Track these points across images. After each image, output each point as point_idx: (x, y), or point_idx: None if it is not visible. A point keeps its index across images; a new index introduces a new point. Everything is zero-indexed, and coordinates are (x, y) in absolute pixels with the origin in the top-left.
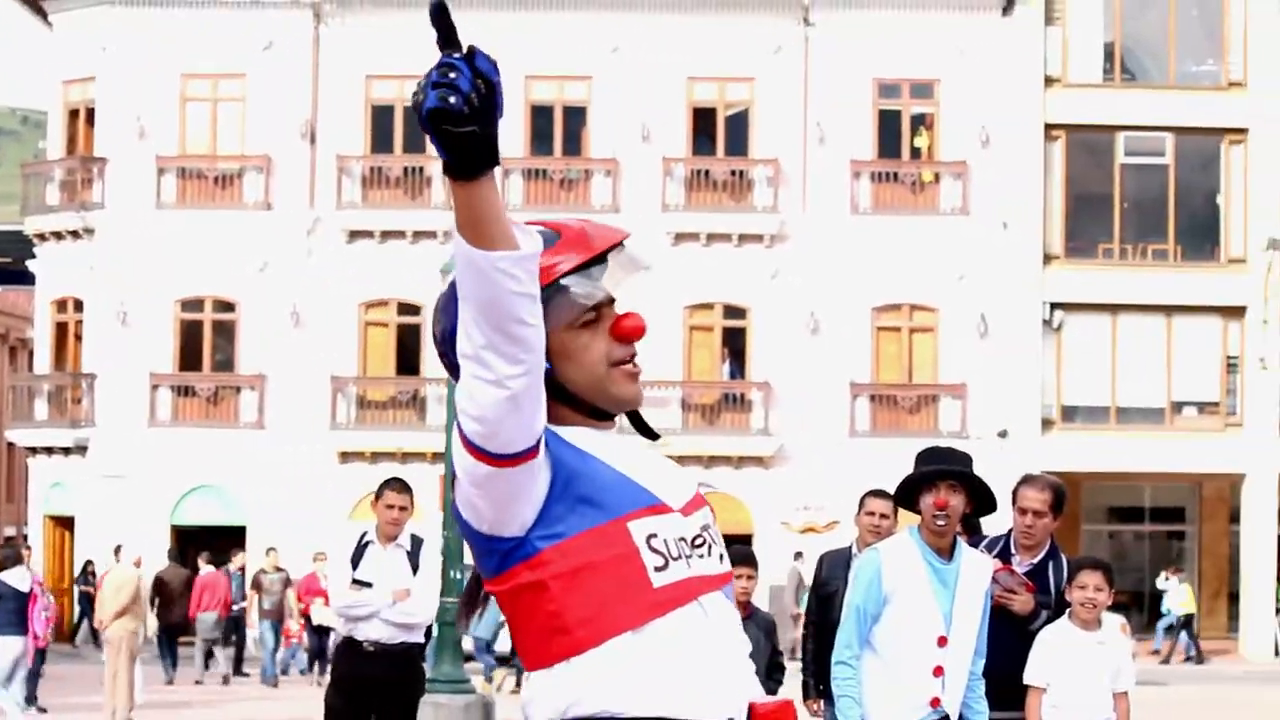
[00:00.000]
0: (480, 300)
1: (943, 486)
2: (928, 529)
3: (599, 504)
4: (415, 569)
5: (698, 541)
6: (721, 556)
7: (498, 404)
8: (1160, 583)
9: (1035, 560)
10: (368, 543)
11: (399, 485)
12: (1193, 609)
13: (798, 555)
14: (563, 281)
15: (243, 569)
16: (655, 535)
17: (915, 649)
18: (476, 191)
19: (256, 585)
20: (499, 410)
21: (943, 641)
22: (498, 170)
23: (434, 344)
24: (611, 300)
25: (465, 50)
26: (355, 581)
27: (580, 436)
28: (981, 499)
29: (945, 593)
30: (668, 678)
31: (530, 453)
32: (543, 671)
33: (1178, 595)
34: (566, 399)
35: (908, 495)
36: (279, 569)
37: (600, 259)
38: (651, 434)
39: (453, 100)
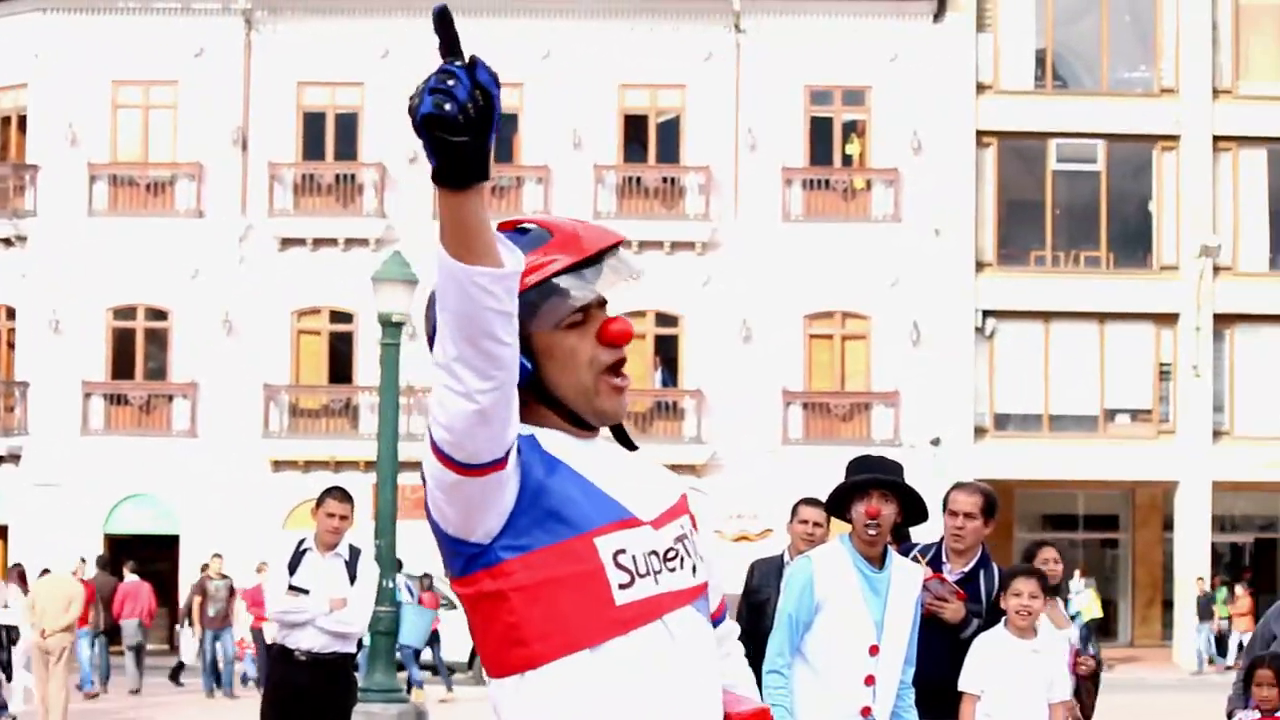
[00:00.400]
0: (457, 313)
1: (874, 495)
2: (859, 538)
3: (566, 518)
4: (352, 579)
5: (669, 555)
6: (695, 569)
7: (466, 416)
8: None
9: (966, 568)
10: (306, 550)
11: (340, 494)
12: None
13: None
14: (554, 281)
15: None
16: (623, 551)
17: (847, 658)
18: (464, 203)
19: (201, 592)
20: (467, 422)
21: (874, 650)
22: (429, 177)
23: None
24: (602, 303)
25: (468, 60)
26: (292, 588)
27: (557, 442)
28: (913, 508)
29: (877, 601)
30: (623, 697)
31: (498, 464)
32: (501, 680)
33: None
34: (550, 402)
35: (839, 504)
36: (224, 576)
37: (592, 261)
38: (630, 446)
39: (448, 107)
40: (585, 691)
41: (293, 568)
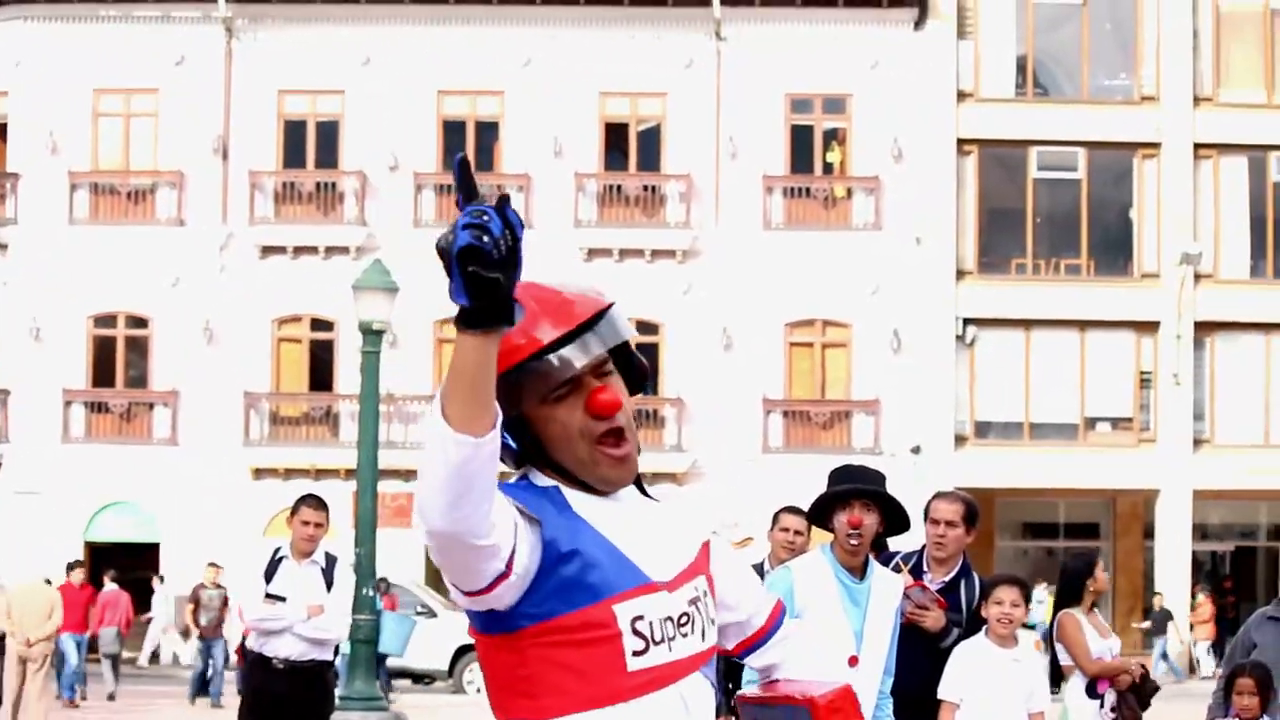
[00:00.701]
0: (439, 486)
1: (856, 505)
2: (841, 548)
3: (587, 586)
4: (329, 586)
5: (682, 620)
6: (704, 633)
7: (451, 571)
8: (1035, 594)
9: (948, 577)
10: (282, 558)
11: (315, 502)
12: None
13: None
14: (529, 359)
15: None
16: (641, 618)
17: (826, 669)
18: (483, 347)
19: (194, 601)
20: (454, 574)
21: (854, 661)
22: (410, 185)
23: None
24: (596, 368)
25: (495, 202)
26: (269, 595)
27: (580, 498)
28: (894, 518)
29: (857, 612)
30: None
31: (501, 579)
32: None
33: (1042, 609)
34: (556, 470)
35: (821, 513)
36: (218, 585)
37: (575, 333)
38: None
39: (485, 240)
40: None
41: (269, 576)
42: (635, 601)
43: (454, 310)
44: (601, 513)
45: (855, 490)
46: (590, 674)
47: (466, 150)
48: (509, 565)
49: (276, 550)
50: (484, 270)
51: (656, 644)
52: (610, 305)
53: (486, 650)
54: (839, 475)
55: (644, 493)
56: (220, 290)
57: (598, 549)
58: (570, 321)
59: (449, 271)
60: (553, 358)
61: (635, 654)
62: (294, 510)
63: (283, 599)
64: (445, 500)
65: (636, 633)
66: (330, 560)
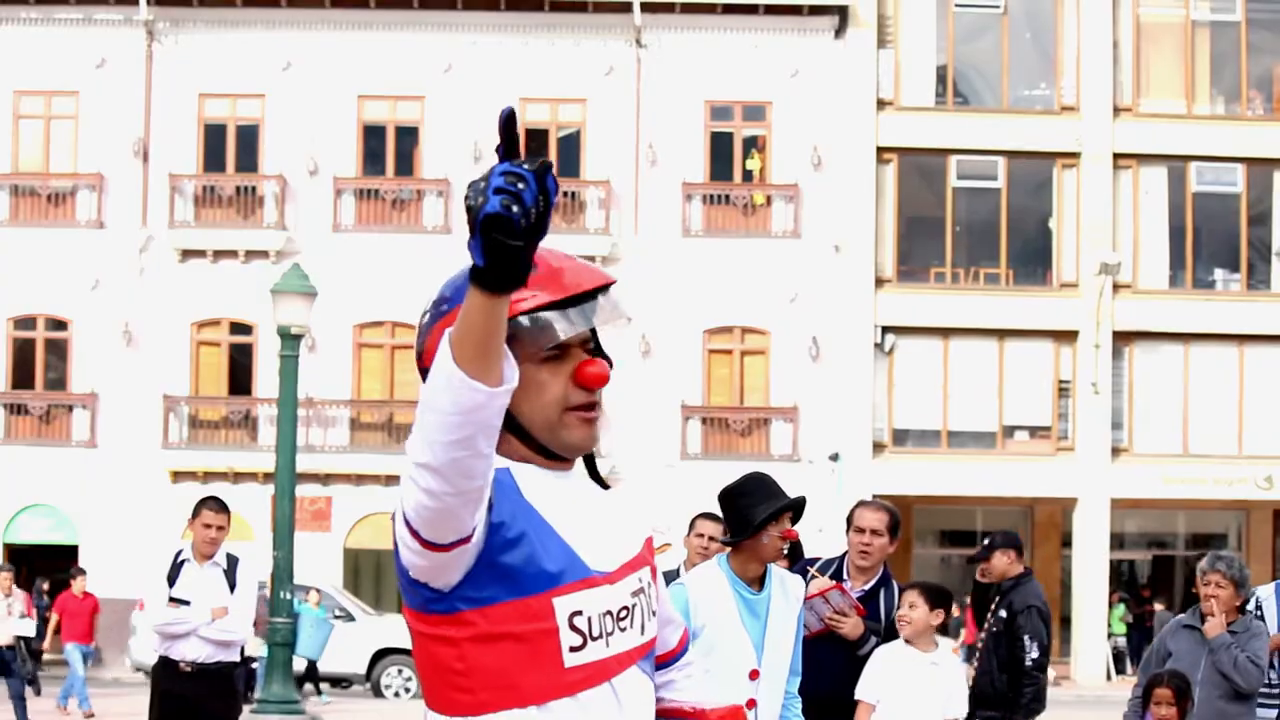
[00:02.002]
0: (445, 424)
1: (786, 517)
2: (767, 559)
3: (527, 576)
4: (232, 587)
5: (622, 614)
6: (644, 626)
7: (430, 510)
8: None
9: (868, 586)
10: (184, 561)
11: (216, 504)
12: None
13: None
14: (539, 314)
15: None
16: (579, 613)
17: (726, 683)
18: (496, 306)
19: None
20: (430, 515)
21: (754, 675)
22: (330, 190)
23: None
24: (585, 342)
25: (537, 165)
26: (172, 599)
27: (531, 480)
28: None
29: (756, 623)
30: None
31: (463, 541)
32: (440, 717)
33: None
34: (519, 433)
35: (748, 525)
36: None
37: (578, 300)
38: (601, 484)
39: (515, 210)
40: None
41: (171, 579)
42: (575, 596)
43: (372, 314)
44: (550, 498)
45: (790, 505)
46: (527, 669)
47: (386, 155)
48: (472, 530)
49: (178, 553)
50: (507, 239)
51: (594, 639)
52: (614, 283)
53: (424, 643)
54: (762, 488)
55: (595, 472)
56: (140, 293)
57: (543, 538)
58: (576, 288)
59: (471, 229)
60: (554, 318)
61: (572, 649)
62: (195, 513)
63: (187, 602)
64: (450, 438)
65: (574, 628)
66: (232, 561)
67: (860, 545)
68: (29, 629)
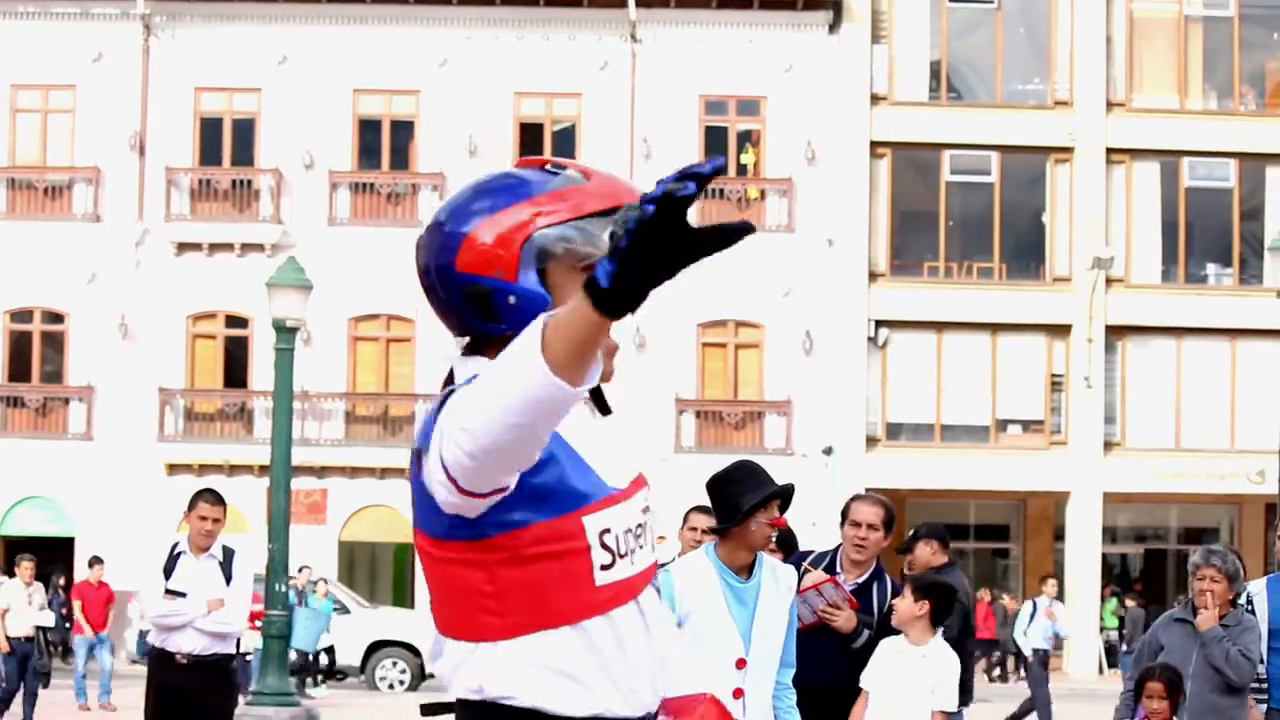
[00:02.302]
0: (511, 406)
1: (774, 505)
2: (756, 548)
3: (558, 496)
4: (228, 579)
5: (639, 531)
6: (653, 544)
7: (467, 470)
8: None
9: (861, 579)
10: (180, 553)
11: (212, 497)
12: None
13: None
14: (590, 219)
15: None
16: (608, 530)
17: (713, 672)
18: (603, 326)
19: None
20: (468, 473)
21: (741, 663)
22: (326, 184)
23: (418, 276)
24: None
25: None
26: (169, 591)
27: None
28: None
29: (744, 612)
30: (601, 674)
31: (500, 491)
32: (463, 644)
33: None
34: None
35: (736, 513)
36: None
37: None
38: (606, 409)
39: (691, 186)
40: (564, 665)
41: (168, 571)
42: (603, 514)
43: (368, 307)
44: (567, 420)
45: (779, 492)
46: (559, 589)
47: (381, 149)
48: (511, 483)
49: (175, 545)
50: (664, 225)
51: (621, 557)
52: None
53: (445, 568)
54: (750, 477)
55: (602, 400)
56: (136, 286)
57: (568, 458)
58: (616, 199)
59: (614, 251)
60: (605, 226)
61: (603, 568)
62: (191, 505)
63: (183, 594)
64: (513, 420)
65: (604, 546)
66: (228, 553)
67: (856, 539)
68: (49, 619)
